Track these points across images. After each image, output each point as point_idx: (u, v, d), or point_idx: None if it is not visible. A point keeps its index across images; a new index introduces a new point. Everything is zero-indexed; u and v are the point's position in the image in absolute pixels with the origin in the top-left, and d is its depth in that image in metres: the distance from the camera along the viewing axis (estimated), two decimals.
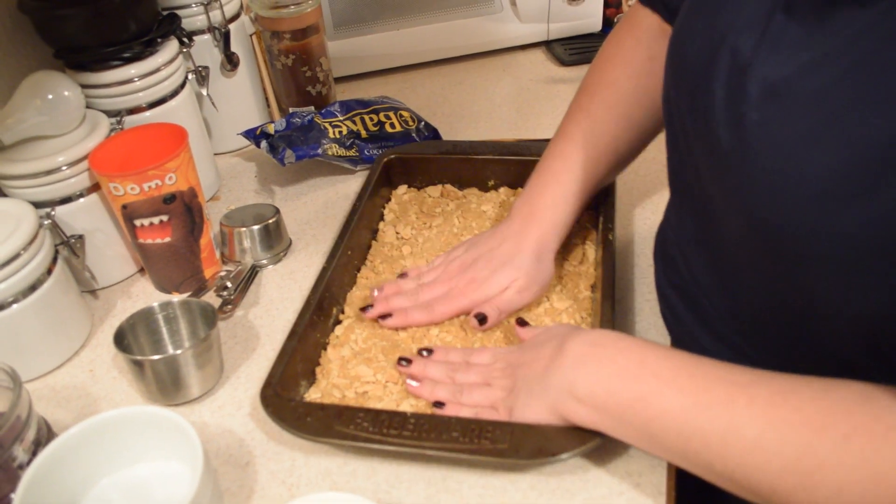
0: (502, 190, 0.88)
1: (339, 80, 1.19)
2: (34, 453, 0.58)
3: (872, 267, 0.39)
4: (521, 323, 0.67)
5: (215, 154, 1.01)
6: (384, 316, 0.70)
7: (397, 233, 0.84)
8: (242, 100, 1.03)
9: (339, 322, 0.72)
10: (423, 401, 0.62)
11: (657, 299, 0.68)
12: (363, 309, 0.71)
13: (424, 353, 0.66)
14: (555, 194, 0.71)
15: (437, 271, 0.74)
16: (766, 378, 0.46)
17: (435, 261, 0.76)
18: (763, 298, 0.52)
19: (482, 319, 0.67)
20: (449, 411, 0.60)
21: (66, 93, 0.77)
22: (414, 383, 0.63)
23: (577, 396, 0.53)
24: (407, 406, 0.61)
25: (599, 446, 0.55)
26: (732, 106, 0.44)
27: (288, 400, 0.60)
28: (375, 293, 0.73)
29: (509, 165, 0.87)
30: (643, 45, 0.70)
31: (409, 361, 0.64)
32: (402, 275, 0.75)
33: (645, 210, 0.86)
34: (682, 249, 0.62)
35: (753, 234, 0.46)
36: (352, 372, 0.65)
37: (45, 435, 0.63)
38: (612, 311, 0.64)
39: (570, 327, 0.61)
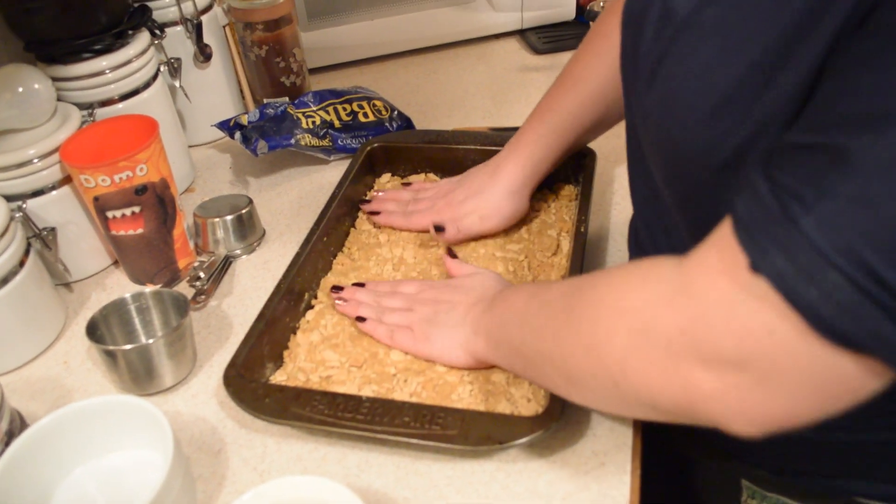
0: None
1: (313, 70, 1.19)
2: (7, 444, 0.58)
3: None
4: (452, 255, 0.74)
5: (190, 146, 1.01)
6: (374, 212, 0.83)
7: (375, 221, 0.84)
8: (216, 91, 1.03)
9: (311, 307, 0.73)
10: (381, 386, 0.63)
11: None
12: (361, 202, 0.85)
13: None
14: (538, 131, 0.77)
15: (433, 191, 0.83)
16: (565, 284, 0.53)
17: (441, 181, 0.85)
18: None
19: (438, 229, 0.77)
20: (368, 327, 0.67)
21: (36, 86, 0.77)
22: (341, 302, 0.70)
23: (477, 332, 0.61)
24: (368, 391, 0.62)
25: (555, 432, 0.56)
26: (657, 46, 0.46)
27: (249, 381, 0.61)
28: (378, 194, 0.86)
29: (491, 156, 0.87)
30: None
31: (341, 289, 0.72)
32: (407, 184, 0.87)
33: (620, 198, 0.86)
34: (647, 224, 0.62)
35: (668, 160, 0.49)
36: (318, 356, 0.66)
37: (19, 426, 0.63)
38: None
39: (501, 280, 0.68)
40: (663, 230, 0.59)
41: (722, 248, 0.38)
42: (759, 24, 0.39)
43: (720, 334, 0.38)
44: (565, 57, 1.18)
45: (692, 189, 0.48)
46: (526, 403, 0.61)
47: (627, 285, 0.45)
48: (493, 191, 0.77)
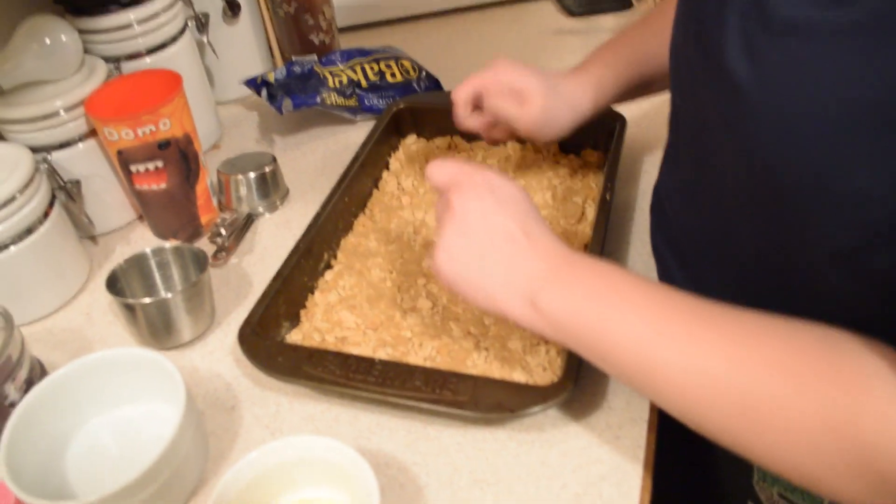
0: (510, 144, 0.86)
1: (344, 29, 1.17)
2: (27, 392, 0.59)
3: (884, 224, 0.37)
4: None
5: (218, 103, 1.01)
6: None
7: (398, 183, 0.83)
8: (245, 48, 1.02)
9: (329, 267, 0.72)
10: (396, 349, 0.63)
11: (653, 258, 0.67)
12: None
13: None
14: (606, 58, 0.73)
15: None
16: (734, 314, 0.45)
17: None
18: (753, 250, 0.50)
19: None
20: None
21: (63, 37, 0.77)
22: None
23: (536, 306, 0.50)
24: (383, 354, 0.62)
25: (570, 402, 0.55)
26: (748, 39, 0.41)
27: (263, 339, 0.61)
28: None
29: None
30: None
31: None
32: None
33: (650, 166, 0.84)
34: (673, 200, 0.60)
35: (753, 179, 0.44)
36: (335, 317, 0.66)
37: (39, 375, 0.64)
38: None
39: (527, 210, 0.54)
40: (695, 212, 0.56)
41: None
42: None
43: None
44: (601, 20, 1.15)
45: (781, 211, 0.43)
46: (542, 372, 0.60)
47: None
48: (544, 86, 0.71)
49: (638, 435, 0.57)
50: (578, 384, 0.56)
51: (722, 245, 0.54)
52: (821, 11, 0.36)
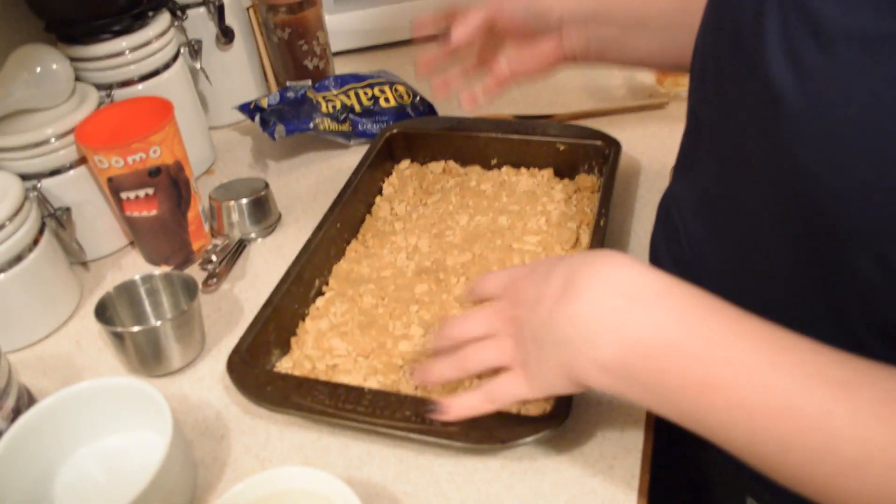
0: (504, 168, 0.86)
1: (339, 54, 1.18)
2: (13, 421, 0.58)
3: None
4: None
5: (212, 128, 1.01)
6: None
7: (392, 208, 0.83)
8: (239, 74, 1.02)
9: (321, 293, 0.72)
10: (387, 377, 0.62)
11: None
12: None
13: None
14: None
15: None
16: (867, 375, 0.38)
17: None
18: (782, 267, 0.47)
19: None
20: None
21: (54, 66, 0.77)
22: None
23: (602, 364, 0.43)
24: (374, 382, 0.61)
25: (563, 431, 0.54)
26: (791, 46, 0.39)
27: (252, 367, 0.60)
28: None
29: (513, 144, 0.86)
30: None
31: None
32: None
33: (644, 190, 0.84)
34: (686, 215, 0.59)
35: (789, 189, 0.41)
36: (325, 344, 0.65)
37: (27, 404, 0.63)
38: None
39: (584, 256, 0.48)
40: (714, 228, 0.55)
41: None
42: None
43: None
44: None
45: (819, 223, 0.40)
46: (534, 402, 0.59)
47: None
48: None
49: (632, 465, 0.56)
50: (571, 414, 0.55)
51: (746, 263, 0.52)
52: (878, 21, 0.35)
